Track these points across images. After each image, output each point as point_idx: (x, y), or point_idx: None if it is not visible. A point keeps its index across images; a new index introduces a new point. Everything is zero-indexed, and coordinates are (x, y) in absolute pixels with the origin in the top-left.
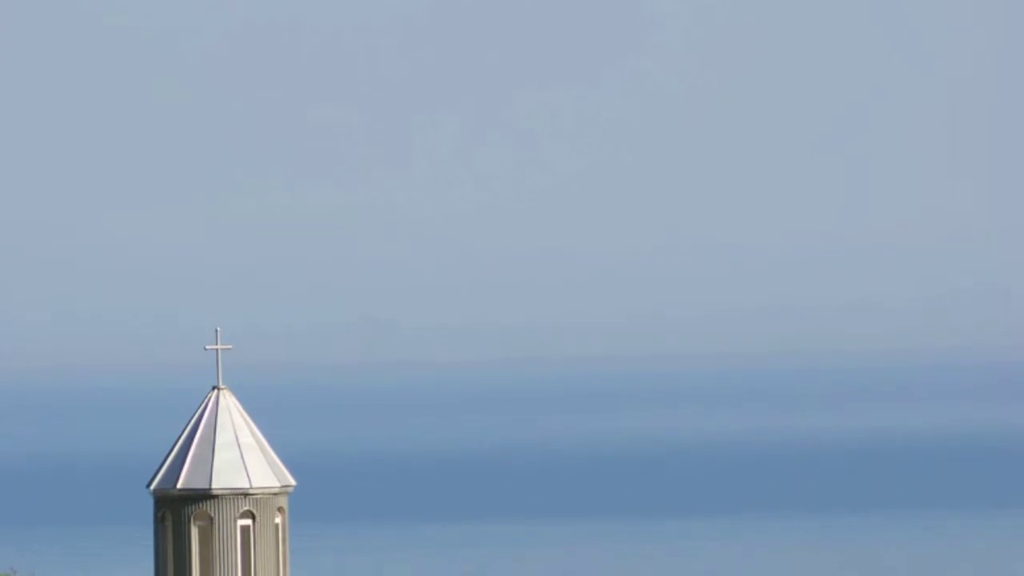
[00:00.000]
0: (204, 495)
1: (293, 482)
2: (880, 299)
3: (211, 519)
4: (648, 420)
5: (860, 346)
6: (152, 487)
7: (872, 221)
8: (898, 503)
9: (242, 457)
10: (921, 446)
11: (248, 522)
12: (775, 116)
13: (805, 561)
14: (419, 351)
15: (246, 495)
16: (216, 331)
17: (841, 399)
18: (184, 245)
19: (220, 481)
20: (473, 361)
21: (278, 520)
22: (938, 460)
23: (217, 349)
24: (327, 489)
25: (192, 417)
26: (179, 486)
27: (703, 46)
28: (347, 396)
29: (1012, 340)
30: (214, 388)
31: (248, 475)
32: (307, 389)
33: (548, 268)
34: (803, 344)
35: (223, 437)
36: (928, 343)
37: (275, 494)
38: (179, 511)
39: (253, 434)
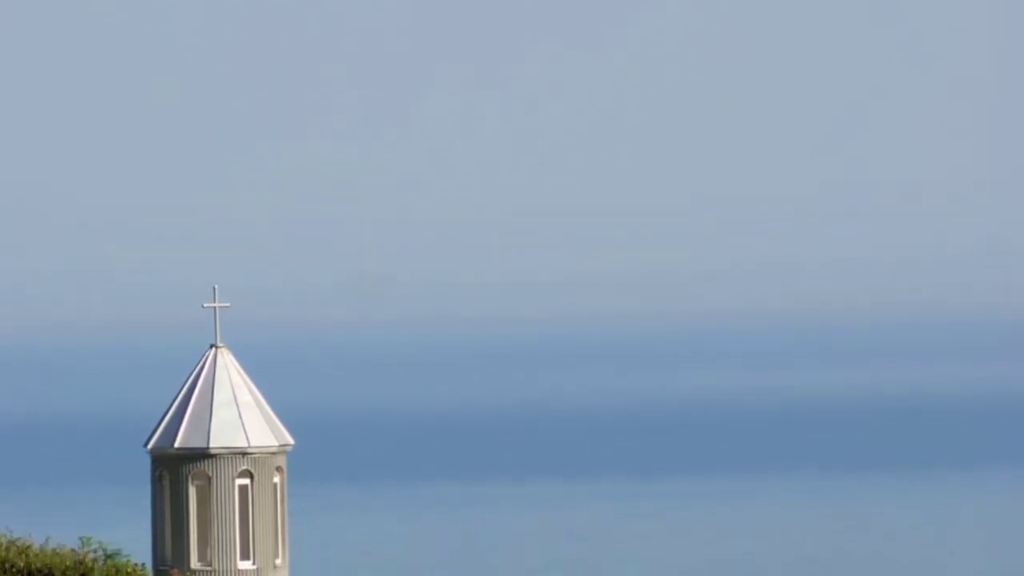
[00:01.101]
0: (202, 454)
1: (292, 441)
2: (881, 257)
3: (209, 479)
4: (648, 379)
5: (861, 304)
6: (149, 446)
7: (873, 177)
8: (899, 463)
9: (240, 416)
10: (925, 404)
11: (246, 481)
12: (779, 74)
13: (805, 521)
14: (419, 308)
15: (244, 454)
16: (214, 288)
17: (842, 357)
18: (181, 201)
19: (218, 440)
20: (474, 318)
21: (276, 480)
22: (942, 418)
23: (215, 307)
24: (326, 448)
25: (189, 376)
26: (176, 445)
27: (707, 4)
28: (347, 354)
29: (1018, 298)
30: (212, 346)
31: (246, 434)
32: (306, 347)
33: (548, 225)
34: (803, 302)
35: (221, 396)
36: (932, 300)
37: (273, 453)
38: (176, 470)
39: (251, 393)
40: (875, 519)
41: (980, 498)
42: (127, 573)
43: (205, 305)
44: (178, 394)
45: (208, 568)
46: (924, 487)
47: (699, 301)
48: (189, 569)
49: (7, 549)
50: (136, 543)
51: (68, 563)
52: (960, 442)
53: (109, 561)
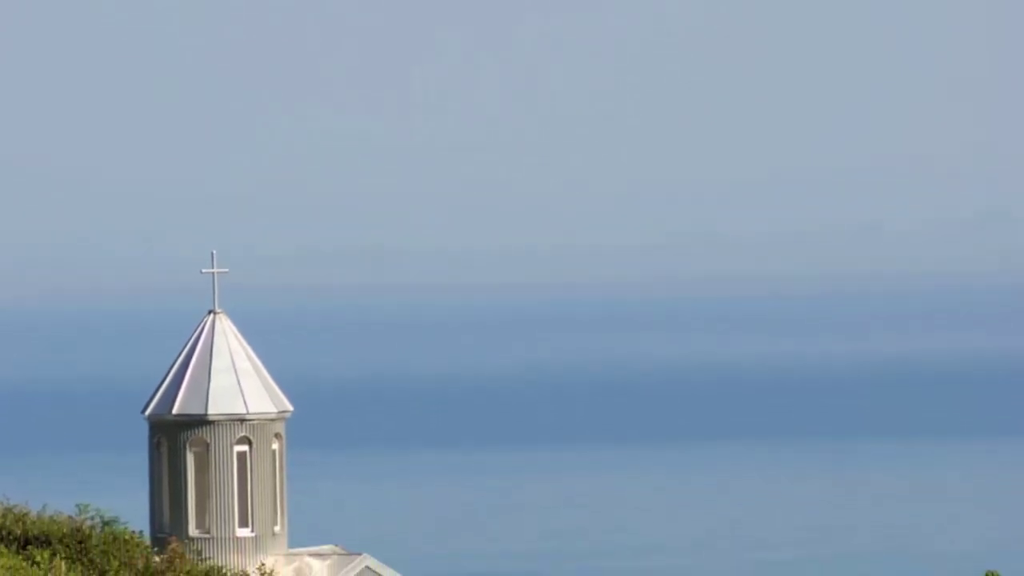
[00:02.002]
0: (200, 421)
1: (290, 408)
2: (890, 222)
3: (207, 445)
4: (655, 345)
5: (869, 270)
6: (147, 413)
7: (881, 144)
8: (892, 430)
9: (239, 382)
10: (931, 371)
11: (245, 448)
12: (783, 42)
13: (811, 487)
14: (417, 275)
15: (243, 421)
16: (212, 254)
17: (850, 324)
18: (180, 167)
19: (216, 407)
20: (473, 285)
21: (275, 446)
22: (946, 385)
23: (213, 273)
24: (325, 415)
25: (188, 342)
26: (175, 412)
27: None
28: (345, 321)
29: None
30: (210, 312)
31: (245, 401)
32: (305, 313)
33: (550, 193)
34: (812, 269)
35: (219, 362)
36: (938, 267)
37: (272, 420)
38: (175, 437)
39: (250, 359)
40: (877, 485)
41: (973, 465)
42: (125, 540)
43: (204, 271)
44: (176, 360)
45: (206, 535)
46: (928, 453)
47: (699, 266)
48: (187, 536)
49: (4, 516)
50: (134, 510)
51: (65, 530)
52: (954, 409)
53: (107, 528)
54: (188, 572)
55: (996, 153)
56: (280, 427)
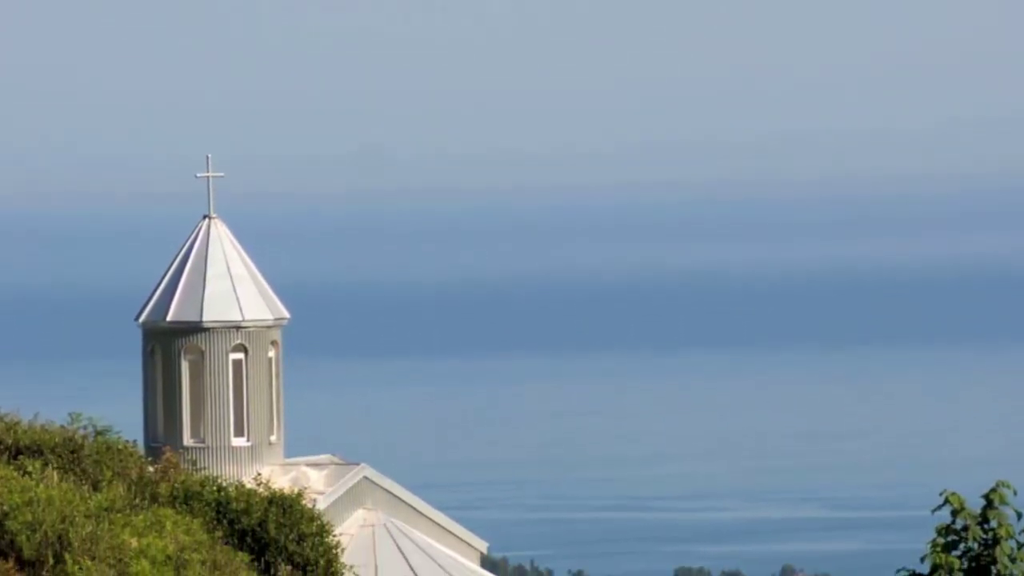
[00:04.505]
0: (195, 328)
1: (287, 315)
2: (897, 124)
3: (202, 353)
4: (650, 252)
5: (875, 173)
6: (141, 320)
7: (887, 46)
8: (913, 335)
9: (234, 289)
10: (937, 277)
11: (240, 356)
12: None
13: (817, 393)
14: (417, 179)
15: (238, 328)
16: (207, 158)
17: (855, 228)
18: (174, 68)
19: (211, 313)
20: (471, 189)
21: (271, 354)
22: (956, 291)
23: (208, 176)
24: (322, 322)
25: (182, 247)
26: (169, 319)
27: None
28: (343, 225)
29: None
30: (205, 217)
31: (240, 307)
32: (302, 218)
33: (544, 96)
34: (816, 172)
35: (214, 268)
36: (945, 170)
37: (268, 327)
38: (169, 345)
39: (245, 265)
40: (885, 390)
41: (986, 370)
42: (118, 450)
43: (198, 175)
44: (170, 266)
45: (201, 445)
46: (935, 358)
47: (702, 170)
48: (182, 446)
49: None
50: (127, 419)
51: (57, 440)
52: (966, 315)
53: (99, 438)
54: (182, 482)
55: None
56: (276, 334)
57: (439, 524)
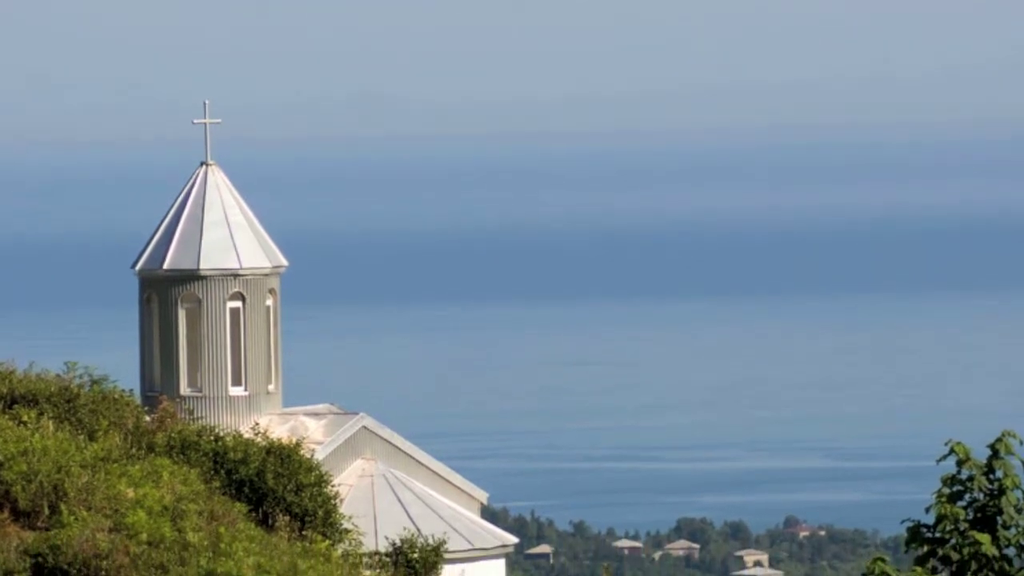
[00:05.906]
0: (192, 276)
1: (285, 262)
2: (898, 70)
3: (199, 301)
4: (656, 198)
5: (877, 119)
6: (137, 268)
7: None
8: (920, 282)
9: (231, 236)
10: (943, 225)
11: (238, 304)
12: None
13: (820, 343)
14: (416, 125)
15: (236, 276)
16: (204, 104)
17: (857, 174)
18: (171, 13)
19: (208, 261)
20: (471, 135)
21: (269, 302)
22: (962, 237)
23: (205, 123)
24: (321, 269)
25: (179, 194)
26: (166, 267)
27: None
28: (341, 172)
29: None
30: (202, 164)
31: (238, 255)
32: (300, 165)
33: (546, 42)
34: (819, 117)
35: (212, 215)
36: (948, 116)
37: (266, 275)
38: (166, 293)
39: (243, 212)
40: (894, 338)
41: (994, 320)
42: (114, 400)
43: (196, 121)
44: (167, 214)
45: (198, 394)
46: (945, 306)
47: (706, 116)
48: (178, 395)
49: None
50: (124, 369)
51: (53, 389)
52: (986, 261)
53: (95, 387)
54: (179, 432)
55: None
56: (274, 282)
57: (439, 474)
